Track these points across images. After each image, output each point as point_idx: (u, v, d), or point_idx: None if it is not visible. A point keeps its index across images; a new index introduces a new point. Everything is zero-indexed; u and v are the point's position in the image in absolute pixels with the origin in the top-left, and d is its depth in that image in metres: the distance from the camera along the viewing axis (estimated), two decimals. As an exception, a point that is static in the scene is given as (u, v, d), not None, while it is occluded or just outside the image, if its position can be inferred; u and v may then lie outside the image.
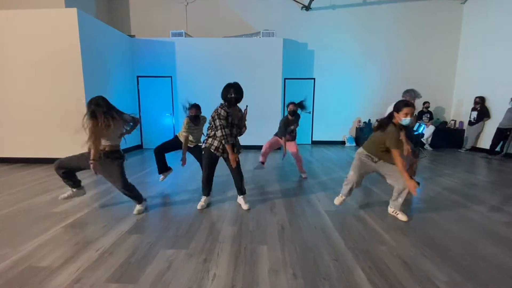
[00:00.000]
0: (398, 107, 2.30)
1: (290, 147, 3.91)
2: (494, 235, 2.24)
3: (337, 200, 2.76)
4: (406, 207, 2.83)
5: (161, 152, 3.44)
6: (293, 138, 3.95)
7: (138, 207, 2.66)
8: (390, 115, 2.37)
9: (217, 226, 2.38)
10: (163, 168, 3.52)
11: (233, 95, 2.47)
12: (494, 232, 2.28)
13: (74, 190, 2.74)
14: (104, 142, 2.40)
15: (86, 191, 2.89)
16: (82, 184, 2.81)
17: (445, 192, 3.35)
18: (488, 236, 2.21)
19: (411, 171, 3.47)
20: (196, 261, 1.83)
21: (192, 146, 3.47)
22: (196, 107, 3.35)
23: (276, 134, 4.00)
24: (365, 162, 2.54)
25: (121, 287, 1.55)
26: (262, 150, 4.03)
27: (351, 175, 2.60)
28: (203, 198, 2.82)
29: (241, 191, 2.81)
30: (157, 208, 2.82)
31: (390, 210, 2.65)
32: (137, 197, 2.65)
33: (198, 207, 2.76)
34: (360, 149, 2.61)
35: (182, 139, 3.34)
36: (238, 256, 1.89)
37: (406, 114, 2.24)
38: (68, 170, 2.59)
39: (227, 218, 2.56)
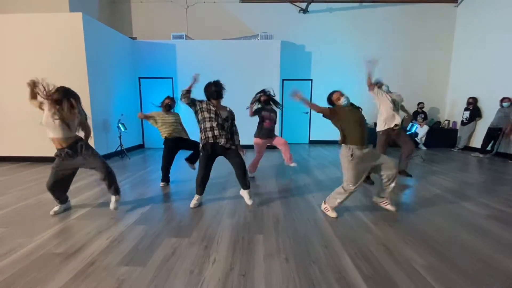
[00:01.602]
0: (330, 100, 2.61)
1: (279, 142, 3.88)
2: (475, 226, 2.41)
3: (333, 213, 2.61)
4: (394, 202, 3.00)
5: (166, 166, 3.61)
6: (271, 131, 3.82)
7: (115, 199, 2.67)
8: (330, 109, 2.54)
9: (217, 218, 2.56)
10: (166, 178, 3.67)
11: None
12: (476, 224, 2.45)
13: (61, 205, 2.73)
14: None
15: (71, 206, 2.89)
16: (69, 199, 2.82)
17: (434, 189, 3.52)
18: (470, 228, 2.38)
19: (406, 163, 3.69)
20: (197, 248, 2.00)
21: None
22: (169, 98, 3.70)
23: (255, 135, 3.83)
24: (358, 163, 2.41)
25: (131, 270, 1.72)
26: (253, 162, 3.92)
27: (352, 188, 2.46)
28: (197, 197, 2.90)
29: (246, 185, 2.86)
30: (161, 202, 3.00)
31: (379, 200, 2.69)
32: (117, 186, 2.67)
33: (191, 205, 2.84)
34: (345, 150, 2.46)
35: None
36: (236, 244, 2.06)
37: (338, 99, 2.54)
38: (60, 184, 2.58)
39: (226, 211, 2.73)
